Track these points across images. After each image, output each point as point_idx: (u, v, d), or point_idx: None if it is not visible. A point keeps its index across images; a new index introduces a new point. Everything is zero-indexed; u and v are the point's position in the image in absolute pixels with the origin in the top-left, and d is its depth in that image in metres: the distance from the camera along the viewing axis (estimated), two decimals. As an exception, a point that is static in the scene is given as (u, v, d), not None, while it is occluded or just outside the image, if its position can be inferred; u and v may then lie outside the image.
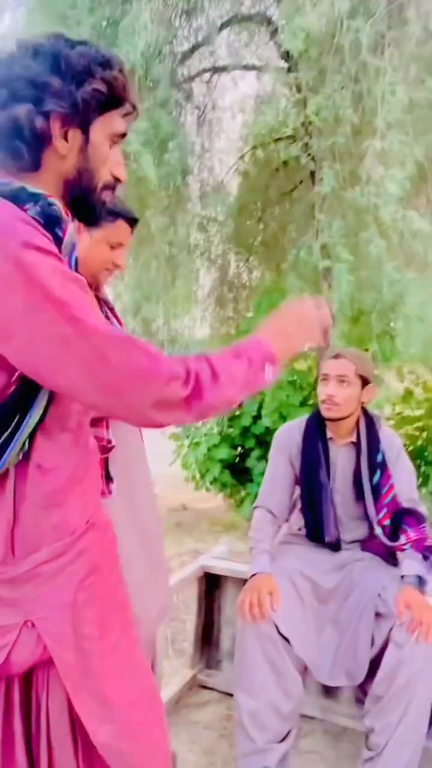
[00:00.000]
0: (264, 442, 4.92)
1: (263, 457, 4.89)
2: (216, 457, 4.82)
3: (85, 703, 1.07)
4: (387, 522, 2.29)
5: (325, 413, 2.31)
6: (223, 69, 5.37)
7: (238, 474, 5.18)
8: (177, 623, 3.47)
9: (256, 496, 2.67)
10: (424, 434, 5.40)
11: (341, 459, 2.36)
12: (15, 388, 0.98)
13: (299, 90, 3.28)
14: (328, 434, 2.37)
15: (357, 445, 2.35)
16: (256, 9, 4.96)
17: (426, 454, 5.22)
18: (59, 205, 1.03)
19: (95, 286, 1.97)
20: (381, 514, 2.29)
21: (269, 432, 4.78)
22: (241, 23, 5.00)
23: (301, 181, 4.45)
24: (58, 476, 1.08)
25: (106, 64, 1.05)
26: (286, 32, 3.08)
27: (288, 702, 2.07)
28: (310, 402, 4.98)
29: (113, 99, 1.07)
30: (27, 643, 1.04)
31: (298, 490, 2.48)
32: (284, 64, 4.50)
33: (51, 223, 1.00)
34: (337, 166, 3.12)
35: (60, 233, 1.01)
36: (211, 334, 5.56)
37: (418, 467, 5.27)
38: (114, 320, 2.03)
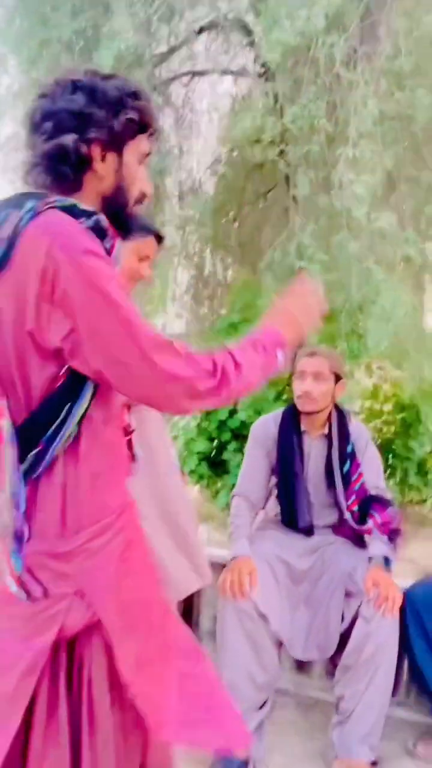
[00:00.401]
0: (240, 435, 5.02)
1: (239, 449, 4.99)
2: (193, 450, 4.93)
3: (126, 658, 1.20)
4: (356, 508, 2.43)
5: (301, 407, 2.43)
6: (201, 73, 5.43)
7: (215, 466, 5.29)
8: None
9: (232, 487, 2.78)
10: (392, 428, 5.58)
11: (314, 450, 2.49)
12: (64, 380, 1.10)
13: (276, 99, 3.39)
14: (302, 427, 2.49)
15: (329, 437, 2.48)
16: (234, 15, 5.05)
17: (393, 446, 5.40)
18: (106, 221, 1.15)
19: None
20: (350, 501, 2.43)
21: (245, 425, 4.89)
22: (219, 29, 5.08)
23: (276, 184, 4.57)
24: (101, 461, 1.20)
25: (136, 95, 1.20)
26: (264, 45, 3.19)
27: (264, 674, 2.21)
28: (284, 397, 5.11)
29: (143, 125, 1.21)
30: (78, 609, 1.16)
31: (273, 479, 2.62)
32: (261, 70, 4.62)
33: (101, 235, 1.12)
34: (311, 173, 3.25)
35: (108, 246, 1.14)
36: (186, 330, 5.67)
37: (386, 459, 5.46)
38: None
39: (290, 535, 2.52)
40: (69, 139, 1.13)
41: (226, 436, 5.16)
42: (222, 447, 5.28)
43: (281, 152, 3.47)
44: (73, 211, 1.10)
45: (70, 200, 1.12)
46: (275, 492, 2.61)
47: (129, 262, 2.02)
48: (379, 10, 3.10)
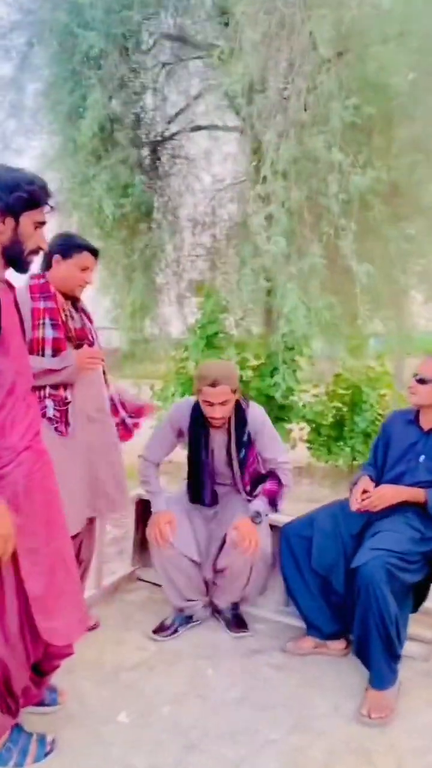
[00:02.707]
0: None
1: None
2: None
3: (21, 555, 1.54)
4: (248, 487, 2.53)
5: (212, 424, 2.44)
6: (198, 128, 5.39)
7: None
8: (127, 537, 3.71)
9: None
10: (346, 408, 5.51)
11: (218, 441, 2.53)
12: None
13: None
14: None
15: (229, 429, 2.48)
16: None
17: (345, 422, 5.38)
18: None
19: (74, 298, 2.30)
20: (245, 480, 2.51)
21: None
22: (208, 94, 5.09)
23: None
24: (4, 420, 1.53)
25: (30, 182, 1.50)
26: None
27: (190, 589, 2.53)
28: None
29: (33, 202, 1.51)
30: None
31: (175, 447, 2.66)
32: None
33: None
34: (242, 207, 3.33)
35: None
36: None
37: (341, 430, 5.43)
38: (86, 320, 2.34)
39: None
40: None
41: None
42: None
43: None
44: None
45: None
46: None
47: (73, 273, 2.23)
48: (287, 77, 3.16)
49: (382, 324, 4.17)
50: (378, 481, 2.49)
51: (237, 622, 2.46)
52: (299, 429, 5.54)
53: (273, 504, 2.47)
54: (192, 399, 2.55)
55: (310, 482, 5.55)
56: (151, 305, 4.30)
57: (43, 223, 1.57)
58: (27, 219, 1.51)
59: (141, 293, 4.05)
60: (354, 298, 3.33)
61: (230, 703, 2.07)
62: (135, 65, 3.73)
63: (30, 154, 4.94)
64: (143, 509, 3.15)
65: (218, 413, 2.35)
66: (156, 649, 2.39)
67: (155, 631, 2.46)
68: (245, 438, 2.46)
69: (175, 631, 2.48)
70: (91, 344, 2.28)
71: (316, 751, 1.83)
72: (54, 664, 1.82)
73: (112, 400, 2.43)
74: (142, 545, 3.20)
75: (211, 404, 2.35)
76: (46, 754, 1.73)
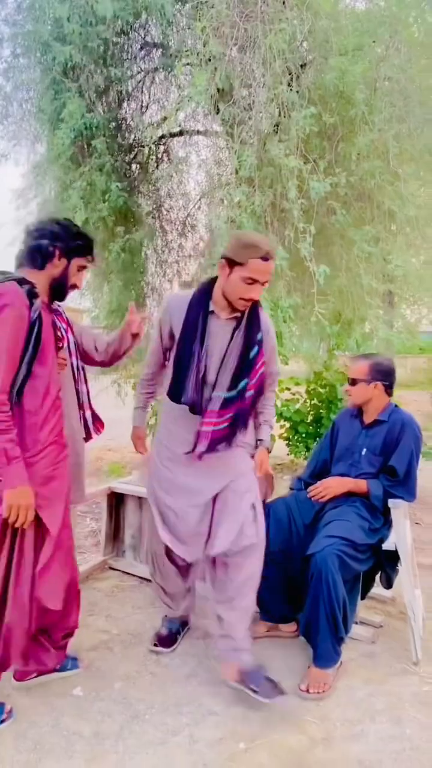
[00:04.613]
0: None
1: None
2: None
3: (48, 520, 1.85)
4: (253, 391, 2.11)
5: (240, 307, 2.01)
6: (182, 133, 5.50)
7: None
8: (97, 526, 3.83)
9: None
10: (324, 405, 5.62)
11: (221, 331, 2.06)
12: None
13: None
14: (212, 308, 2.05)
15: (239, 321, 2.06)
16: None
17: (322, 419, 5.47)
18: (38, 290, 1.82)
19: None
20: (253, 381, 2.08)
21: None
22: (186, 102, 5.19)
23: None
24: (34, 415, 1.82)
25: (86, 236, 1.96)
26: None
27: (181, 583, 2.39)
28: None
29: (84, 251, 1.96)
30: None
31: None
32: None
33: (31, 296, 1.77)
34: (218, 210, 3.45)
35: (32, 302, 1.78)
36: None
37: (317, 428, 5.53)
38: (57, 319, 2.44)
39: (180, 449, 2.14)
40: (45, 242, 1.87)
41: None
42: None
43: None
44: (20, 281, 1.77)
45: (19, 275, 1.81)
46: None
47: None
48: (248, 87, 3.27)
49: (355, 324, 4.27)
50: (325, 473, 2.62)
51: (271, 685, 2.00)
52: (279, 426, 5.65)
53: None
54: (190, 291, 2.12)
55: (291, 478, 5.65)
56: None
57: (84, 268, 1.98)
58: (75, 263, 1.94)
59: (117, 294, 4.17)
60: (324, 299, 3.44)
61: (180, 679, 2.20)
62: (116, 74, 3.83)
63: (15, 160, 5.08)
64: (115, 501, 3.30)
65: (257, 293, 1.96)
66: (117, 632, 2.51)
67: (156, 645, 2.37)
68: (259, 337, 2.06)
69: (174, 640, 2.40)
70: (60, 341, 2.40)
71: (252, 721, 1.95)
72: (64, 634, 2.06)
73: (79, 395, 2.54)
74: (114, 535, 3.35)
75: (253, 282, 1.94)
76: (2, 722, 1.87)
